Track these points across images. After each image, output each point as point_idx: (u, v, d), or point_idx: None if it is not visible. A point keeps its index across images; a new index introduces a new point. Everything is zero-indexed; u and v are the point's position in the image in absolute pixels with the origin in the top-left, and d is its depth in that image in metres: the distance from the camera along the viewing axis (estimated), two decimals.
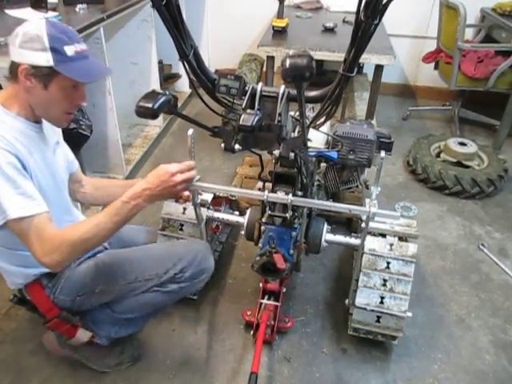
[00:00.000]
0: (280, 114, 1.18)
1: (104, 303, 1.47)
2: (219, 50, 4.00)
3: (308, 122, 1.35)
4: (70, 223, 1.35)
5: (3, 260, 1.34)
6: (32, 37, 1.12)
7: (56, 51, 1.13)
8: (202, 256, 1.45)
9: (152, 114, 1.02)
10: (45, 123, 1.30)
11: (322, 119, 1.30)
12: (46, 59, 1.12)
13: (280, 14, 2.89)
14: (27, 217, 1.12)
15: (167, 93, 1.04)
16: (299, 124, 1.49)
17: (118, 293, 1.42)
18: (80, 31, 1.96)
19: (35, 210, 1.13)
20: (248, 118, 1.01)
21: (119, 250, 1.55)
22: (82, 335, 1.50)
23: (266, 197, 1.42)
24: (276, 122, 1.18)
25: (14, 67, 1.15)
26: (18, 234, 1.15)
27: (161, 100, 1.01)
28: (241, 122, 1.02)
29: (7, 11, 2.08)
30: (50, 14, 2.07)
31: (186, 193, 1.49)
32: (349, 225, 2.31)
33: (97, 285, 1.41)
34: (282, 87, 1.20)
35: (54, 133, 1.38)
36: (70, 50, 1.15)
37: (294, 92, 1.20)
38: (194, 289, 1.52)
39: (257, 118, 1.02)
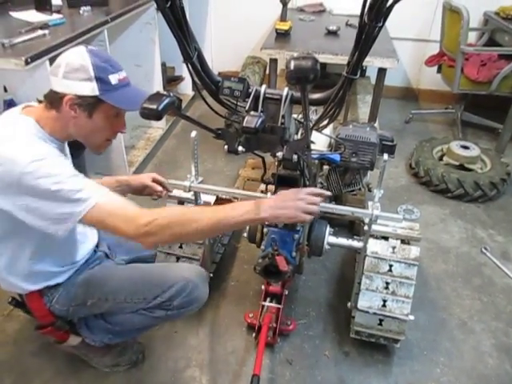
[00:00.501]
0: (283, 116, 1.18)
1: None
2: (222, 52, 4.02)
3: (311, 125, 1.35)
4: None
5: (10, 273, 1.32)
6: (77, 67, 1.13)
7: (101, 81, 1.15)
8: (194, 285, 1.38)
9: (156, 116, 1.02)
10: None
11: (325, 122, 1.30)
12: (91, 89, 1.14)
13: (283, 17, 2.90)
14: (108, 199, 1.11)
15: (171, 94, 1.04)
16: (302, 126, 1.50)
17: (108, 308, 1.42)
18: (84, 33, 1.98)
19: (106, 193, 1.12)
20: (251, 120, 1.01)
21: (114, 265, 1.55)
22: (72, 340, 1.53)
23: None
24: (279, 124, 1.19)
25: (56, 97, 1.16)
26: (99, 221, 1.10)
27: (165, 102, 1.01)
28: (244, 124, 1.02)
29: (12, 13, 2.09)
30: (55, 16, 2.08)
31: (159, 188, 1.52)
32: (351, 227, 2.31)
33: (88, 298, 1.40)
34: (286, 89, 1.20)
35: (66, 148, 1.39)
36: (114, 79, 1.17)
37: (297, 94, 1.20)
38: (182, 316, 1.47)
39: (260, 119, 1.02)
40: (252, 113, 1.07)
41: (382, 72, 2.64)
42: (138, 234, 1.09)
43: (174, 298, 1.36)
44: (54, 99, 1.17)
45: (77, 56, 1.14)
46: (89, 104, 1.16)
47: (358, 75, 1.05)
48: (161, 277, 1.42)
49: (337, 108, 1.17)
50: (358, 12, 0.94)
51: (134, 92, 1.23)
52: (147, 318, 1.41)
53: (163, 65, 3.22)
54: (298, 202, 1.14)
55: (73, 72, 1.13)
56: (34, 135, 1.15)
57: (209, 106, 1.31)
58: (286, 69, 0.89)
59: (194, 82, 1.27)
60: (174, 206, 1.10)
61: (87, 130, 1.22)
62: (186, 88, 3.78)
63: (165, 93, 1.05)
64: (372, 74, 3.36)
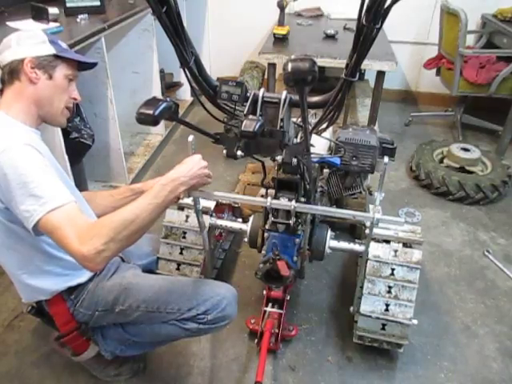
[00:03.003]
0: (282, 120, 1.17)
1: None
2: (220, 58, 4.02)
3: (310, 128, 1.34)
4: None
5: (31, 276, 1.30)
6: (29, 35, 1.24)
7: (54, 43, 1.26)
8: (228, 302, 1.40)
9: (153, 121, 1.01)
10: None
11: (325, 125, 1.29)
12: (48, 49, 1.23)
13: (281, 22, 2.90)
14: (65, 204, 1.07)
15: (168, 99, 1.04)
16: (301, 130, 1.49)
17: (136, 317, 1.39)
18: (81, 41, 1.97)
19: (70, 197, 1.10)
20: (250, 124, 1.00)
21: (146, 274, 1.54)
22: (91, 351, 1.49)
23: (269, 203, 1.41)
24: (278, 127, 1.18)
25: (14, 66, 1.21)
26: (52, 229, 1.06)
27: (161, 106, 1.00)
28: (243, 128, 1.01)
29: (9, 23, 2.09)
30: (52, 24, 2.08)
31: None
32: (352, 231, 2.30)
33: (118, 304, 1.38)
34: (284, 93, 1.19)
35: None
36: (63, 44, 1.30)
37: (296, 97, 1.20)
38: (211, 332, 1.47)
39: (259, 123, 1.01)
40: (250, 117, 1.06)
41: (380, 75, 2.64)
42: (81, 243, 1.03)
43: (209, 312, 1.37)
44: (13, 70, 1.22)
45: (26, 29, 1.26)
46: (48, 64, 1.24)
47: (357, 77, 1.04)
48: (196, 290, 1.42)
49: (336, 111, 1.16)
50: (356, 16, 0.93)
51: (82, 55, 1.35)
52: (177, 329, 1.39)
53: (161, 71, 3.22)
54: (204, 179, 1.30)
55: (26, 39, 1.23)
56: (8, 124, 1.20)
57: (207, 110, 1.30)
58: (284, 71, 0.88)
59: (191, 87, 1.26)
60: (109, 216, 1.10)
61: (49, 94, 1.26)
62: (185, 94, 3.78)
63: (161, 98, 1.04)
64: (371, 77, 3.35)
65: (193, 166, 1.26)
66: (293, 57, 0.85)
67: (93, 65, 1.40)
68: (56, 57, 1.25)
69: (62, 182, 1.15)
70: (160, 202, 1.17)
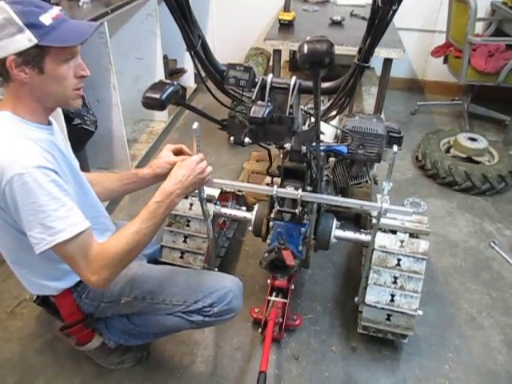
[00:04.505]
0: (291, 106, 1.14)
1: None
2: (225, 44, 3.96)
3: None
4: (100, 219, 1.37)
5: (36, 275, 1.29)
6: (1, 24, 0.99)
7: (34, 26, 1.01)
8: (234, 295, 1.39)
9: (160, 106, 0.98)
10: (54, 124, 1.25)
11: (334, 112, 1.26)
12: (27, 39, 1.00)
13: (286, 8, 2.85)
14: (75, 236, 1.06)
15: (175, 83, 1.00)
16: (309, 117, 1.46)
17: (141, 308, 1.39)
18: None
19: (81, 226, 1.08)
20: (259, 110, 0.97)
21: (151, 265, 1.53)
22: (95, 341, 1.48)
23: (275, 192, 1.39)
24: (287, 114, 1.15)
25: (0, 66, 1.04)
26: (63, 257, 1.10)
27: (168, 90, 0.97)
28: (251, 114, 0.98)
29: None
30: (54, 8, 2.03)
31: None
32: (357, 221, 2.28)
33: (123, 296, 1.37)
34: (294, 78, 1.16)
35: (57, 131, 1.30)
36: (46, 20, 1.03)
37: (305, 83, 1.17)
38: (216, 324, 1.47)
39: (268, 109, 0.98)
40: (259, 102, 1.03)
41: (387, 63, 2.59)
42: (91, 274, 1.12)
43: (216, 304, 1.36)
44: (0, 71, 1.05)
45: None
46: (34, 57, 1.03)
47: (370, 63, 1.00)
48: (202, 282, 1.40)
49: (347, 97, 1.13)
50: (363, 2, 0.89)
51: (75, 25, 1.10)
52: (182, 321, 1.39)
53: (165, 57, 3.18)
54: (202, 176, 1.25)
55: (0, 30, 0.99)
56: (18, 134, 1.08)
57: (213, 95, 1.27)
58: (299, 53, 0.83)
59: (197, 72, 1.22)
60: (114, 245, 1.14)
61: (48, 88, 1.09)
62: (189, 80, 3.73)
63: (168, 81, 1.00)
64: (377, 65, 3.30)
65: (190, 172, 1.22)
66: (308, 38, 0.82)
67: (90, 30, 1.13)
68: (40, 47, 1.02)
69: (75, 200, 1.13)
70: (158, 221, 1.18)
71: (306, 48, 0.81)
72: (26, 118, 1.11)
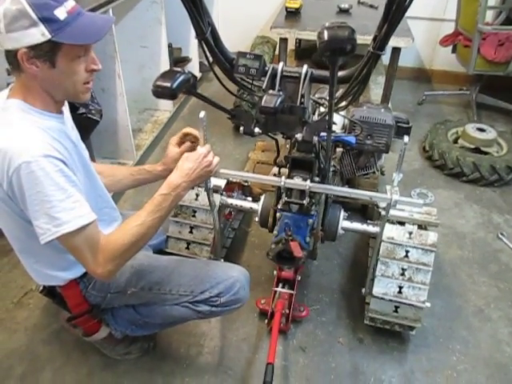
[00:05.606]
0: (303, 96, 1.12)
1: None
2: (230, 32, 3.87)
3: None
4: (107, 210, 1.36)
5: (43, 265, 1.28)
6: (15, 15, 0.97)
7: (48, 21, 0.98)
8: (241, 285, 1.38)
9: (170, 94, 0.95)
10: (65, 112, 1.23)
11: (345, 102, 1.23)
12: (41, 34, 0.98)
13: None
14: (80, 228, 1.06)
15: (186, 71, 0.98)
16: (318, 107, 1.44)
17: (148, 299, 1.39)
18: None
19: (87, 219, 1.07)
20: (270, 100, 0.95)
21: (157, 255, 1.52)
22: (102, 332, 1.48)
23: (283, 183, 1.37)
24: (298, 103, 1.12)
25: (10, 56, 1.02)
26: (69, 248, 1.10)
27: (179, 79, 0.95)
28: (263, 104, 0.96)
29: None
30: (69, 0, 2.00)
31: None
32: (364, 212, 2.26)
33: (130, 286, 1.37)
34: (305, 67, 1.13)
35: (69, 120, 1.28)
36: (61, 14, 1.00)
37: (317, 72, 1.14)
38: (223, 314, 1.47)
39: (280, 99, 0.96)
40: (270, 92, 1.01)
41: (396, 52, 2.55)
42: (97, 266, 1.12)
43: (223, 294, 1.36)
44: (11, 62, 1.04)
45: (11, 3, 0.97)
46: (46, 52, 1.01)
47: (385, 51, 0.98)
48: (209, 272, 1.40)
49: (360, 86, 1.10)
50: None
51: (91, 20, 1.07)
52: (188, 311, 1.39)
53: (170, 46, 3.13)
54: (209, 168, 1.24)
55: (13, 22, 0.97)
56: (27, 121, 1.07)
57: (221, 83, 1.24)
58: (319, 40, 0.79)
59: (206, 59, 1.20)
60: (120, 237, 1.14)
61: (58, 82, 1.08)
62: (193, 69, 3.68)
63: (179, 69, 0.98)
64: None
65: (197, 166, 1.21)
66: (327, 24, 0.79)
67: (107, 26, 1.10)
68: (54, 43, 1.00)
69: (83, 190, 1.13)
70: (164, 214, 1.18)
71: (326, 34, 0.78)
72: (36, 105, 1.10)
